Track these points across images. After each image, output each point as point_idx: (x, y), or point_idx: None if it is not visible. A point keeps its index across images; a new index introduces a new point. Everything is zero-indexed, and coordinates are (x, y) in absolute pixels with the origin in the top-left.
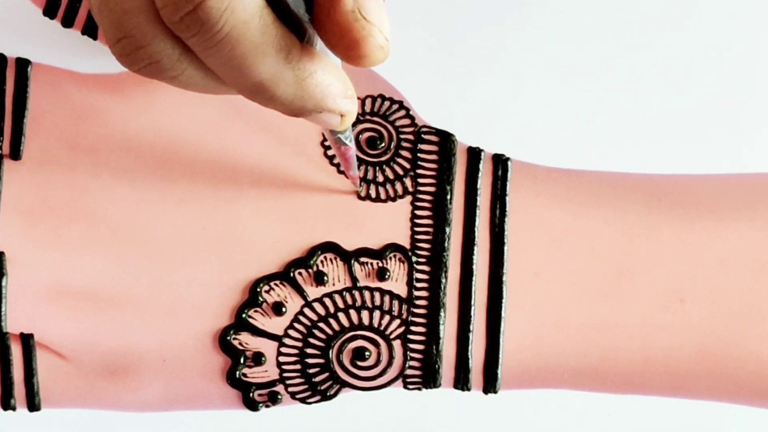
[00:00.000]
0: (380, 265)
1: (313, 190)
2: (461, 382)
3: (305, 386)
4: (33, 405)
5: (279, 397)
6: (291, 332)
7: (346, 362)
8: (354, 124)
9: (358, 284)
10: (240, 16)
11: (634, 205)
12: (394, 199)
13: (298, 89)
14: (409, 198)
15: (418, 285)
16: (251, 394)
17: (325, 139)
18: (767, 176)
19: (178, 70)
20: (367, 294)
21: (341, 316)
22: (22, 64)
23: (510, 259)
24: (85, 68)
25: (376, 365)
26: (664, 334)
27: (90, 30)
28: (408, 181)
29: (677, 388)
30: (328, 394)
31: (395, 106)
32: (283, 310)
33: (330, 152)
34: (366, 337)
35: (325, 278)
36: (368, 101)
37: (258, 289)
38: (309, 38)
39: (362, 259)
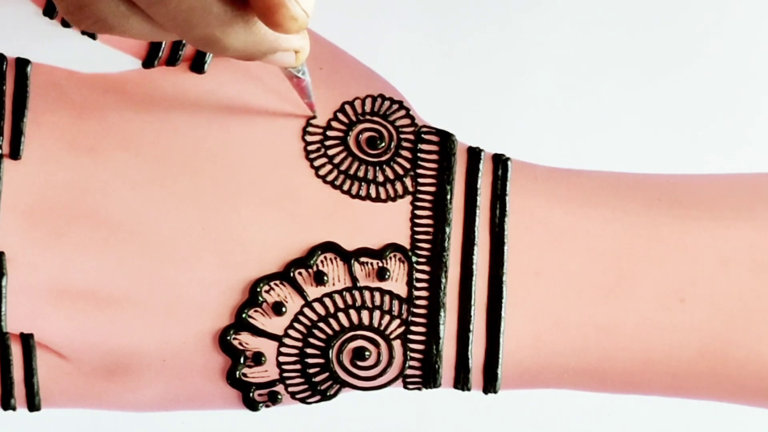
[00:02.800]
0: (380, 265)
1: (314, 190)
2: (461, 382)
3: (305, 386)
4: (33, 405)
5: (279, 397)
6: (291, 332)
7: (346, 362)
8: (354, 124)
9: (358, 284)
10: None
11: (634, 205)
12: (394, 199)
13: (249, 34)
14: (409, 198)
15: (418, 285)
16: (251, 394)
17: (324, 139)
18: (767, 176)
19: (125, 25)
20: (367, 294)
21: (341, 316)
22: (22, 64)
23: (510, 259)
24: (85, 68)
25: (376, 365)
26: (664, 334)
27: None
28: (408, 181)
29: (677, 388)
30: (328, 394)
31: (395, 106)
32: (283, 310)
33: (330, 152)
34: (366, 337)
35: (325, 278)
36: (368, 101)
37: (258, 289)
38: None
39: (362, 259)
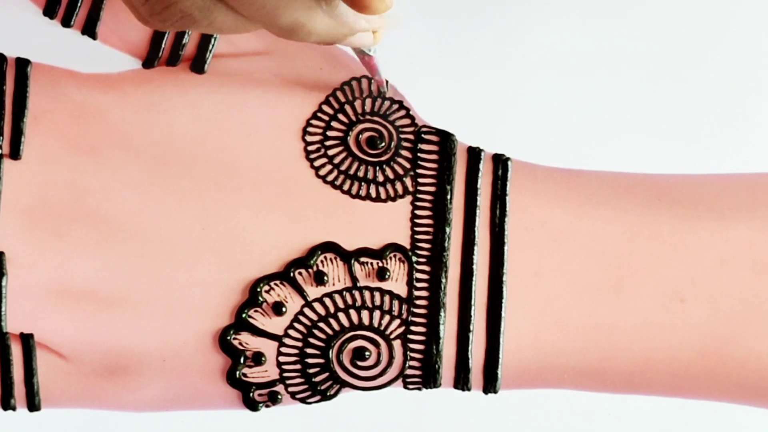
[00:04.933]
0: (380, 265)
1: (314, 190)
2: (461, 382)
3: (305, 386)
4: (33, 405)
5: (279, 397)
6: (291, 332)
7: (346, 362)
8: (354, 124)
9: (358, 284)
10: None
11: (634, 205)
12: (394, 199)
13: (332, 17)
14: (409, 198)
15: (418, 285)
16: (251, 394)
17: (324, 139)
18: (767, 176)
19: (210, 18)
20: (367, 294)
21: (341, 316)
22: (22, 64)
23: (510, 259)
24: (85, 68)
25: (376, 365)
26: (664, 334)
27: (90, 30)
28: (408, 181)
29: (677, 388)
30: (328, 394)
31: (395, 106)
32: (283, 310)
33: (330, 152)
34: (366, 337)
35: (325, 278)
36: (368, 101)
37: (258, 289)
38: None
39: (362, 259)
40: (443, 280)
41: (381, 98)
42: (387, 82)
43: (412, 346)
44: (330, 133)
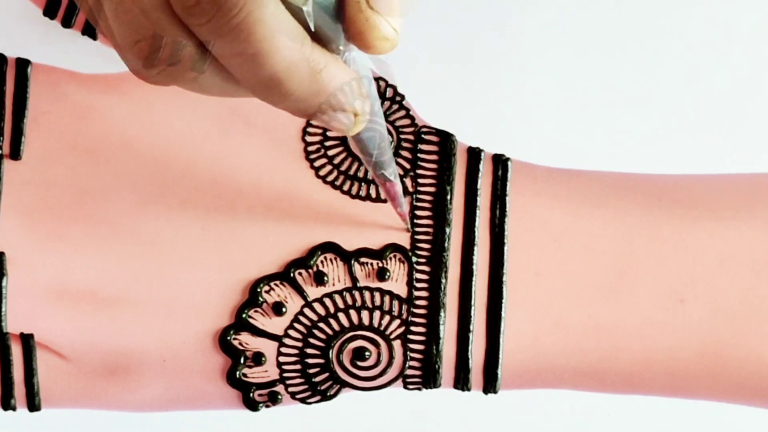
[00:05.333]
0: (380, 265)
1: (314, 191)
2: (461, 382)
3: (305, 386)
4: (33, 405)
5: (279, 397)
6: (291, 332)
7: (346, 362)
8: None
9: (358, 284)
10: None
11: (634, 205)
12: None
13: (313, 83)
14: (408, 198)
15: (418, 285)
16: (251, 394)
17: (324, 140)
18: (767, 176)
19: (199, 70)
20: (367, 294)
21: (341, 316)
22: (22, 64)
23: (510, 259)
24: (85, 68)
25: (376, 365)
26: (664, 334)
27: (90, 30)
28: (408, 181)
29: (677, 388)
30: (328, 394)
31: (395, 106)
32: (283, 310)
33: (330, 152)
34: (366, 337)
35: (325, 278)
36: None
37: (258, 289)
38: (335, 41)
39: (362, 259)
40: (443, 281)
41: (381, 98)
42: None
43: (412, 346)
44: (330, 134)
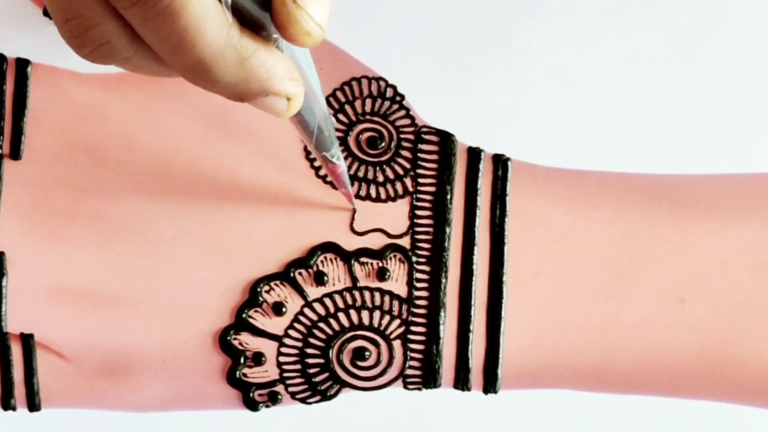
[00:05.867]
0: (380, 265)
1: (314, 190)
2: (461, 382)
3: (305, 386)
4: (33, 405)
5: (279, 397)
6: (291, 332)
7: (346, 362)
8: (354, 124)
9: (358, 284)
10: None
11: (634, 205)
12: (394, 199)
13: (241, 69)
14: (409, 198)
15: (418, 285)
16: (251, 394)
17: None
18: (767, 176)
19: (129, 51)
20: (367, 294)
21: (341, 316)
22: (22, 64)
23: (510, 259)
24: (85, 68)
25: (376, 365)
26: (664, 334)
27: None
28: (408, 181)
29: (677, 388)
30: (328, 394)
31: (395, 106)
32: (283, 310)
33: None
34: (366, 337)
35: (325, 278)
36: (368, 101)
37: (258, 289)
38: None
39: (362, 259)
40: (443, 281)
41: (381, 98)
42: (351, 186)
43: (412, 346)
44: None
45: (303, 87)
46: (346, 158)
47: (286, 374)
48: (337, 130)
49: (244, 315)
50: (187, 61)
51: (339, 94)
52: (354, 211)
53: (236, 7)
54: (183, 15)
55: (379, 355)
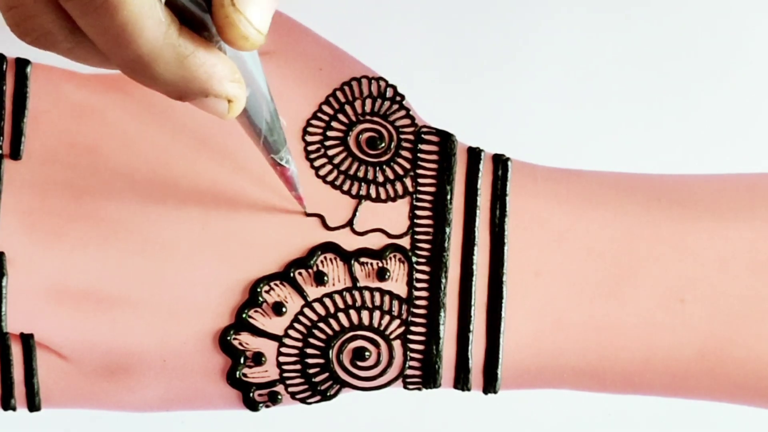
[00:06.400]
0: (380, 265)
1: (314, 191)
2: (461, 382)
3: (305, 386)
4: (33, 405)
5: (279, 397)
6: (291, 332)
7: (346, 362)
8: (354, 124)
9: (358, 284)
10: None
11: (634, 205)
12: (394, 199)
13: (180, 68)
14: (409, 198)
15: (418, 285)
16: (251, 394)
17: (324, 140)
18: (767, 176)
19: (71, 42)
20: (367, 294)
21: (341, 316)
22: (22, 64)
23: (510, 259)
24: (85, 68)
25: (376, 365)
26: (664, 334)
27: None
28: (408, 181)
29: (677, 388)
30: (328, 394)
31: (395, 106)
32: (283, 310)
33: (330, 152)
34: (366, 337)
35: (325, 278)
36: (368, 101)
37: (258, 289)
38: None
39: (362, 259)
40: (443, 281)
41: (381, 98)
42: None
43: (412, 346)
44: (330, 134)
45: (245, 89)
46: (345, 158)
47: (286, 374)
48: (337, 130)
49: (244, 315)
50: (125, 56)
51: (339, 94)
52: (305, 215)
53: (178, 6)
54: (120, 10)
55: (379, 355)
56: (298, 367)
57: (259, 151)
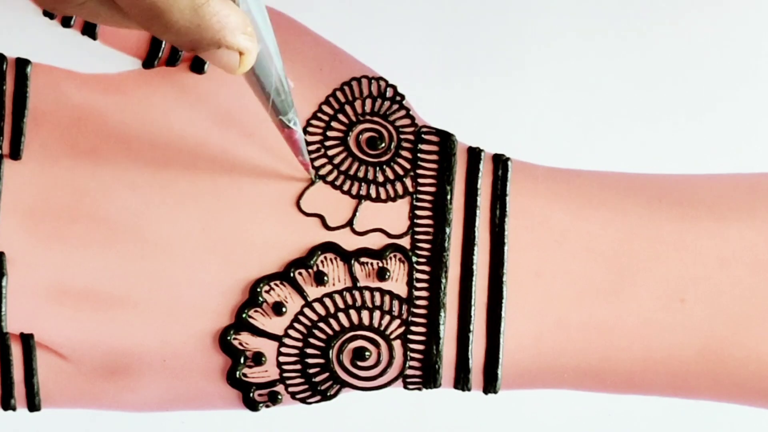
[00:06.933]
0: (380, 265)
1: (314, 190)
2: (461, 382)
3: (305, 386)
4: (33, 405)
5: (279, 397)
6: (291, 332)
7: (347, 362)
8: (354, 124)
9: (359, 284)
10: None
11: (634, 205)
12: (394, 199)
13: (195, 16)
14: (409, 198)
15: (418, 285)
16: (251, 394)
17: (324, 140)
18: (767, 176)
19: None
20: (367, 294)
21: (341, 316)
22: (22, 64)
23: (510, 259)
24: (85, 68)
25: (376, 365)
26: (664, 334)
27: (90, 30)
28: (408, 181)
29: (677, 388)
30: (328, 394)
31: (395, 106)
32: (283, 310)
33: (330, 152)
34: (366, 337)
35: (326, 278)
36: (368, 101)
37: (258, 289)
38: None
39: (362, 259)
40: (443, 280)
41: (381, 98)
42: (310, 163)
43: (412, 346)
44: (330, 133)
45: (257, 43)
46: (345, 158)
47: (286, 374)
48: (337, 130)
49: (244, 315)
50: (141, 4)
51: (339, 94)
52: (311, 181)
53: None
54: None
55: (379, 355)
56: (298, 367)
57: (267, 111)
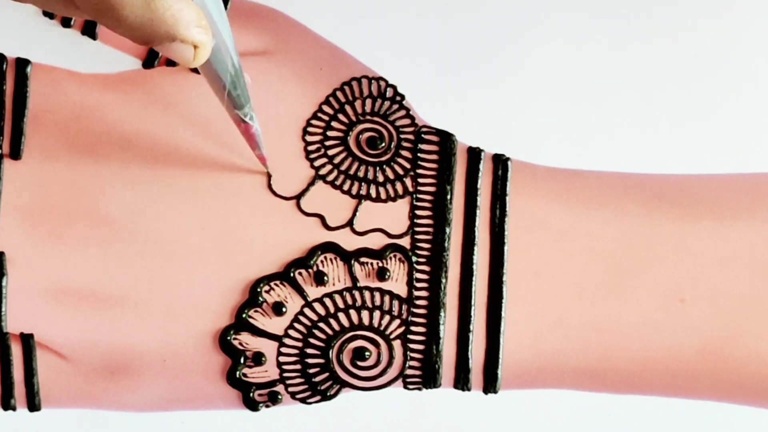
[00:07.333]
0: (380, 265)
1: (314, 190)
2: (461, 382)
3: (305, 386)
4: (33, 405)
5: (279, 397)
6: (291, 332)
7: (347, 362)
8: (354, 124)
9: (358, 284)
10: None
11: (633, 205)
12: (394, 199)
13: (147, 10)
14: (409, 198)
15: (418, 285)
16: (251, 394)
17: (324, 139)
18: (767, 176)
19: None
20: (367, 294)
21: (341, 316)
22: (22, 63)
23: (510, 259)
24: (85, 68)
25: (376, 365)
26: (664, 334)
27: (90, 30)
28: (408, 181)
29: (677, 388)
30: (328, 394)
31: (395, 106)
32: (283, 310)
33: (330, 152)
34: (366, 337)
35: (325, 278)
36: (368, 101)
37: (258, 289)
38: None
39: (362, 259)
40: (443, 280)
41: (381, 98)
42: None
43: (412, 346)
44: (330, 133)
45: (211, 36)
46: (345, 158)
47: (286, 374)
48: (337, 130)
49: (244, 315)
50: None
51: (339, 94)
52: (269, 175)
53: None
54: None
55: (379, 355)
56: (298, 367)
57: (223, 105)
